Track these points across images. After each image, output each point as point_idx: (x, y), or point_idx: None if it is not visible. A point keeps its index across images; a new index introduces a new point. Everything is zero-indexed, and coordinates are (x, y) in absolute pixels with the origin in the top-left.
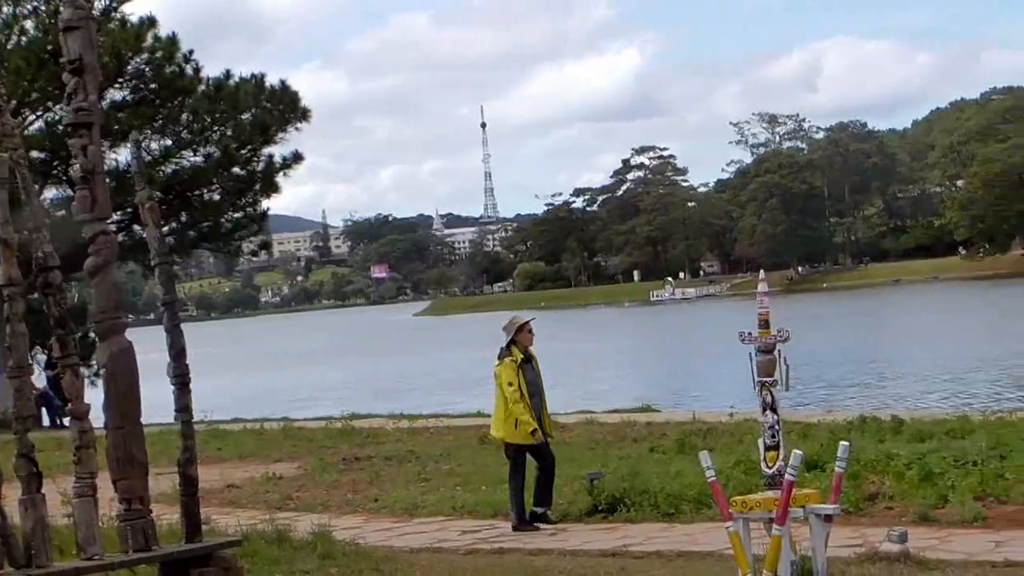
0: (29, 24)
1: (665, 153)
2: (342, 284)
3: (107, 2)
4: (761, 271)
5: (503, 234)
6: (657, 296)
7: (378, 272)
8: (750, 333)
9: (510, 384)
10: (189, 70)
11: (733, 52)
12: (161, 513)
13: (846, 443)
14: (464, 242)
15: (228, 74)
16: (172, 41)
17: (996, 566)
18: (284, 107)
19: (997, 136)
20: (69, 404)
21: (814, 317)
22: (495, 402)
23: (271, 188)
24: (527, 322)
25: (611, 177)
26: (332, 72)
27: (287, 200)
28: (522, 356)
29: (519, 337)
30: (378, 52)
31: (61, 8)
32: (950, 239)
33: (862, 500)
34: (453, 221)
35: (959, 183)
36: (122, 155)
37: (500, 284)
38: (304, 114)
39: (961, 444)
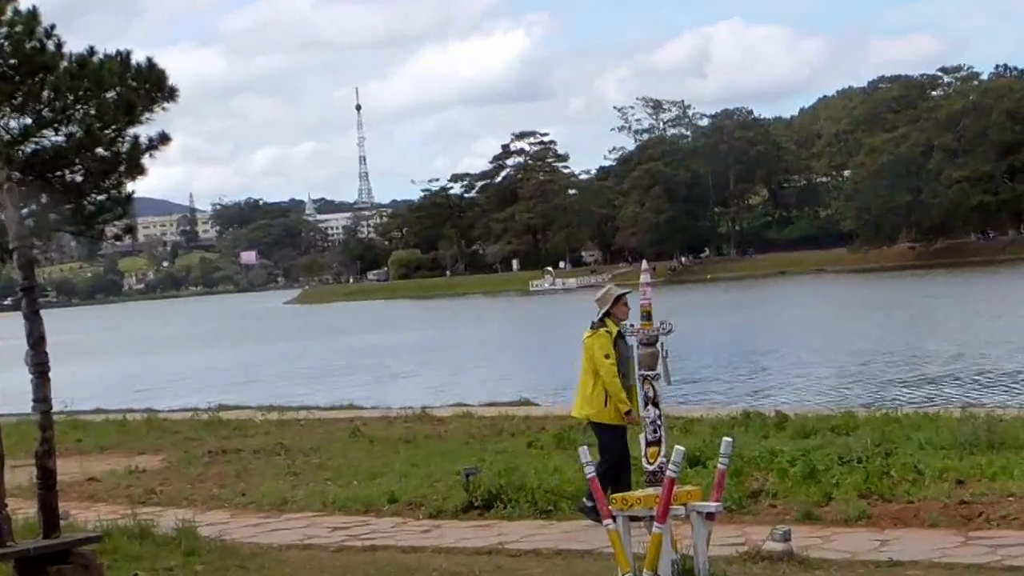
0: None
1: (546, 139)
2: (210, 270)
3: None
4: (643, 261)
5: (378, 220)
6: (537, 286)
7: (247, 258)
8: (632, 325)
9: (607, 356)
10: (51, 45)
11: (622, 36)
12: (17, 508)
13: (729, 439)
14: (337, 228)
15: (92, 51)
16: (33, 15)
17: (880, 565)
18: (151, 86)
19: (884, 125)
20: None
21: (698, 309)
22: (580, 378)
23: (137, 170)
24: (624, 294)
25: (490, 163)
26: (207, 51)
27: (154, 182)
28: (617, 330)
29: (615, 310)
30: (255, 31)
31: None
32: (836, 230)
33: (745, 498)
34: (326, 207)
35: (845, 173)
36: None
37: (374, 272)
38: (171, 93)
39: (846, 440)
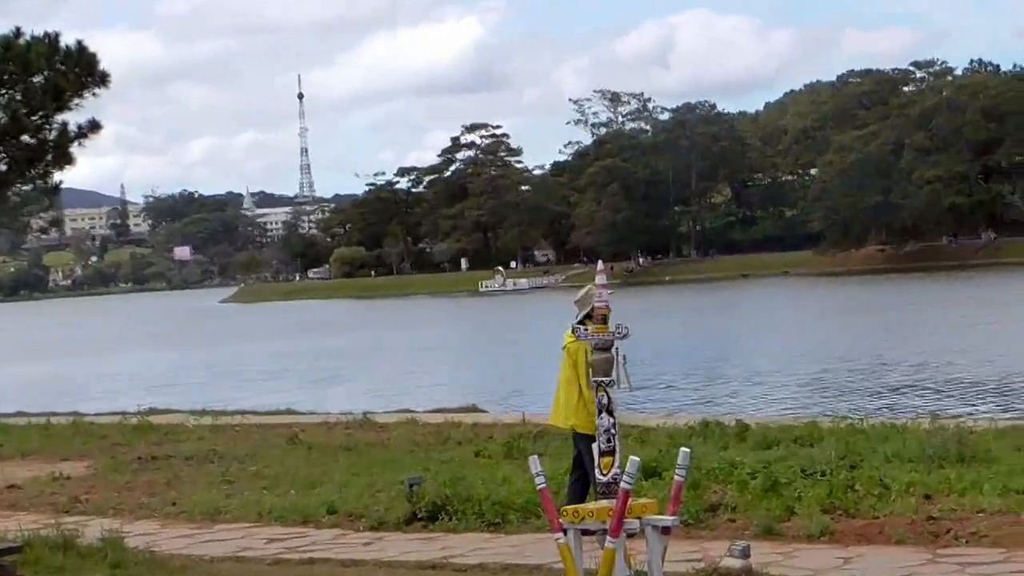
0: None
1: (498, 131)
2: (141, 266)
3: None
4: (599, 262)
5: (320, 216)
6: (487, 286)
7: (181, 254)
8: (586, 329)
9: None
10: None
11: (581, 24)
12: None
13: (687, 449)
14: (277, 223)
15: (18, 32)
16: None
17: None
18: (81, 70)
19: (853, 122)
20: None
21: (656, 312)
22: (559, 385)
23: (64, 159)
24: None
25: (439, 156)
26: (142, 35)
27: (83, 173)
28: None
29: (596, 312)
30: (193, 14)
31: None
32: (803, 231)
33: (703, 511)
34: (265, 200)
35: (813, 172)
36: None
37: (316, 270)
38: (103, 78)
39: (809, 452)
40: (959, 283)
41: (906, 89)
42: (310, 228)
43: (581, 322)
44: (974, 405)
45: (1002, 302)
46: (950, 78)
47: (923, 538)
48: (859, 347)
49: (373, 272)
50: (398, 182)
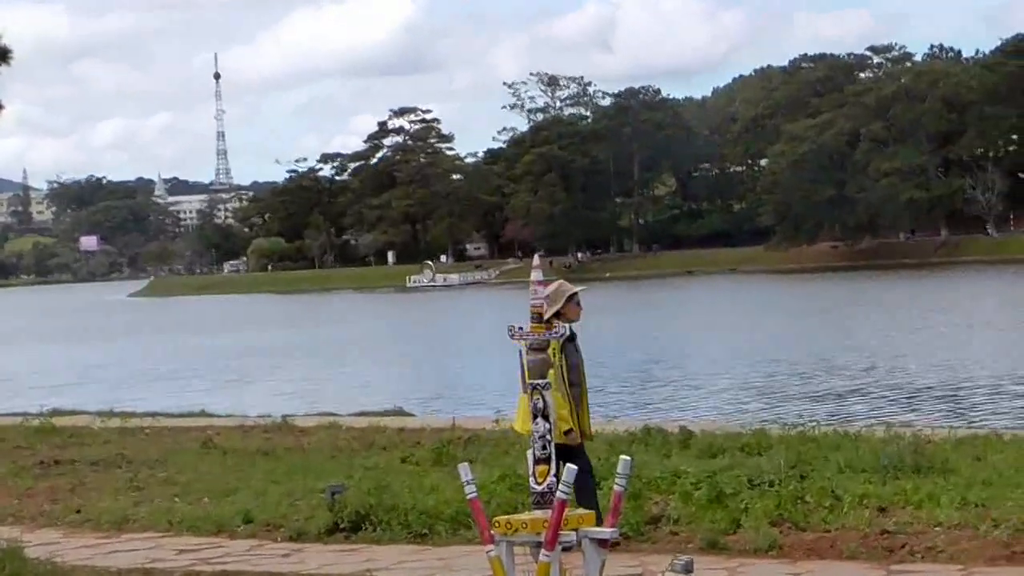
0: None
1: (429, 116)
2: (45, 257)
3: None
4: (535, 256)
5: (237, 204)
6: (415, 282)
7: (88, 244)
8: (521, 328)
9: (551, 367)
10: None
11: (519, 3)
12: None
13: (627, 458)
14: (191, 212)
15: None
16: None
17: None
18: None
19: (806, 110)
20: None
21: (594, 311)
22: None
23: None
24: (576, 292)
25: (365, 142)
26: (47, 9)
27: None
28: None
29: (566, 310)
30: None
31: None
32: (752, 226)
33: (644, 523)
34: (179, 187)
35: (762, 162)
36: None
37: (232, 263)
38: (4, 55)
39: (757, 461)
40: (915, 282)
41: (862, 76)
42: (226, 218)
43: (547, 322)
44: (919, 411)
45: (957, 303)
46: (909, 64)
47: (877, 553)
48: (805, 349)
49: (294, 265)
50: (321, 169)
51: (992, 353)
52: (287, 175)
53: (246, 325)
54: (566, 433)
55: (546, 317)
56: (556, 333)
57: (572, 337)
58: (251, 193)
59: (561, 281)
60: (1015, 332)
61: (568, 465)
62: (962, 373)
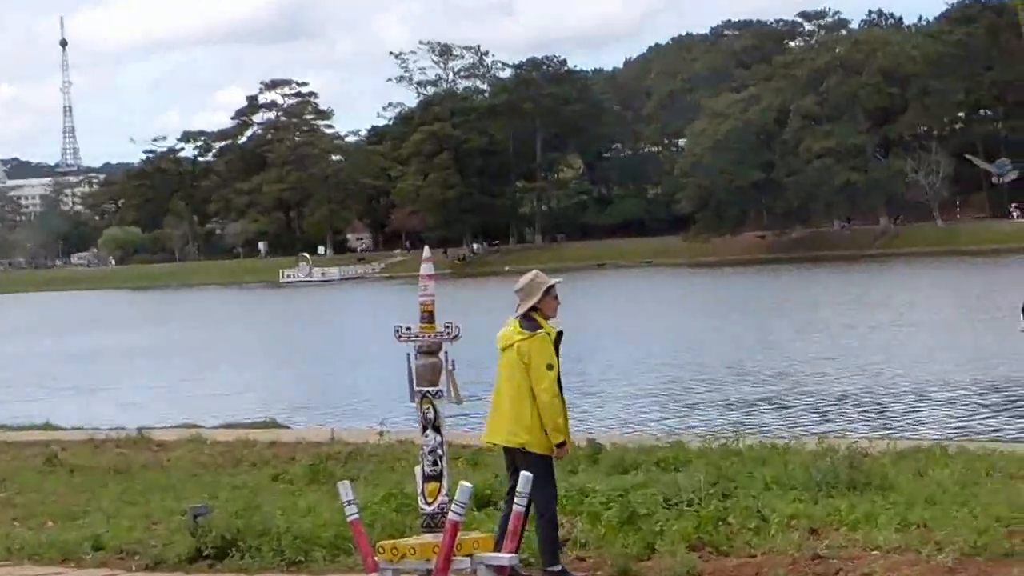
0: None
1: (304, 89)
2: None
3: None
4: (425, 248)
5: (87, 189)
6: (289, 276)
7: None
8: (409, 328)
9: (550, 367)
10: None
11: None
12: None
13: (528, 474)
14: (34, 198)
15: None
16: None
17: None
18: None
19: (730, 83)
20: None
21: (491, 309)
22: (500, 393)
23: None
24: (553, 284)
25: (233, 119)
26: None
27: None
28: (556, 332)
29: (543, 304)
30: None
31: None
32: (669, 214)
33: None
34: (20, 170)
35: (681, 142)
36: None
37: (81, 255)
38: None
39: (674, 478)
40: (849, 277)
41: (792, 45)
42: (75, 204)
43: (528, 317)
44: (834, 421)
45: (894, 300)
46: (844, 32)
47: None
48: (717, 352)
49: (152, 258)
50: (183, 149)
51: (921, 356)
52: (144, 156)
53: (96, 325)
54: (559, 446)
55: (520, 313)
56: (448, 334)
57: (560, 336)
58: (103, 176)
59: (535, 272)
60: (949, 332)
61: (462, 483)
62: (885, 378)
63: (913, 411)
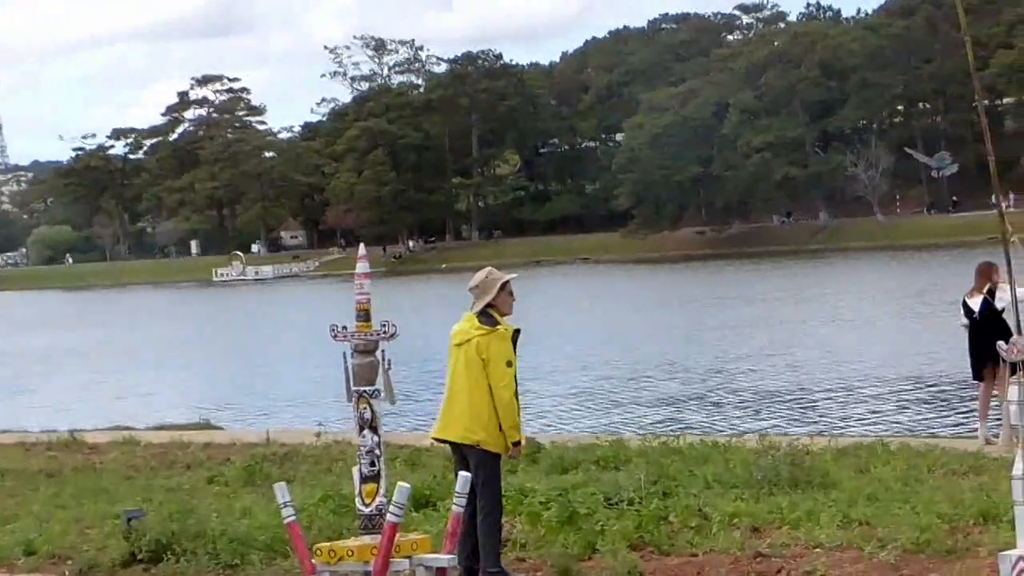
0: None
1: (236, 85)
2: None
3: None
4: (361, 246)
5: (14, 188)
6: (222, 275)
7: None
8: (345, 327)
9: (509, 364)
10: None
11: None
12: None
13: (467, 474)
14: None
15: None
16: None
17: None
18: None
19: (668, 77)
20: None
21: (428, 307)
22: (455, 389)
23: None
24: (508, 280)
25: (163, 115)
26: None
27: None
28: (514, 329)
29: (499, 301)
30: None
31: None
32: (607, 210)
33: None
34: None
35: (618, 137)
36: None
37: (9, 254)
38: None
39: (615, 477)
40: (788, 272)
41: (730, 38)
42: (2, 203)
43: (486, 313)
44: (765, 419)
45: (830, 295)
46: (783, 25)
47: None
48: (649, 349)
49: (82, 257)
50: (113, 147)
51: (851, 352)
52: (73, 154)
53: (25, 326)
54: (515, 444)
55: (476, 310)
56: (384, 333)
57: (517, 333)
58: (31, 175)
59: (490, 269)
60: (880, 328)
61: (400, 484)
62: (815, 375)
63: (840, 407)
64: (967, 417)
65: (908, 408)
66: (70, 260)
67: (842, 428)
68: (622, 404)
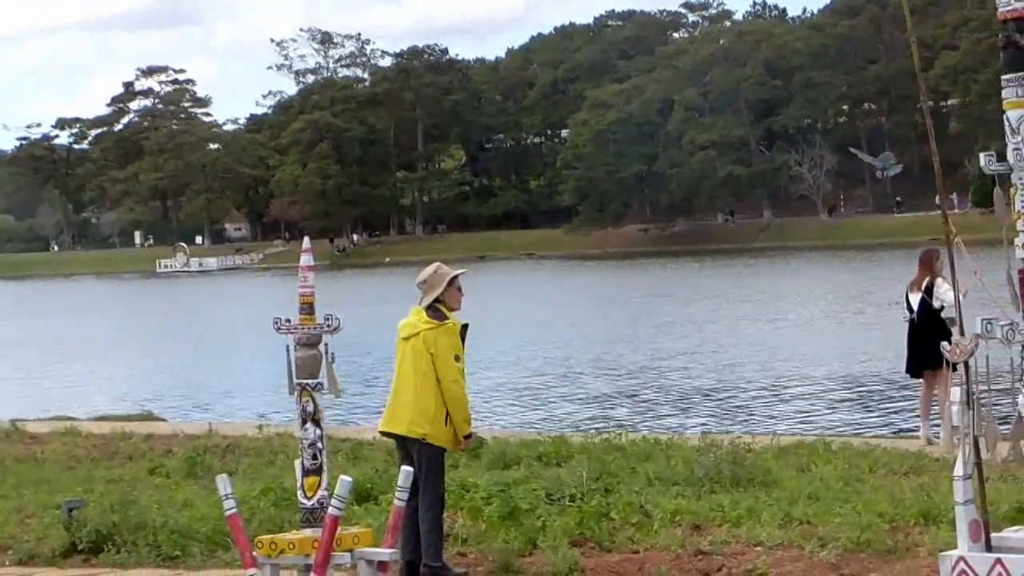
0: None
1: (182, 76)
2: None
3: None
4: (305, 238)
5: None
6: (166, 267)
7: None
8: (288, 320)
9: (457, 359)
10: None
11: None
12: None
13: (409, 468)
14: None
15: None
16: None
17: None
18: None
19: (613, 74)
20: None
21: (371, 300)
22: (401, 381)
23: None
24: (456, 276)
25: (108, 106)
26: None
27: None
28: (462, 324)
29: (447, 296)
30: None
31: None
32: (551, 206)
33: None
34: None
35: (563, 133)
36: None
37: None
38: None
39: (556, 473)
40: (729, 270)
41: (676, 36)
42: None
43: (434, 308)
44: (689, 415)
45: (769, 293)
46: (728, 23)
47: (690, 575)
48: (581, 346)
49: (24, 247)
50: (57, 137)
51: (783, 350)
52: (16, 143)
53: None
54: (466, 437)
55: (424, 305)
56: (328, 326)
57: (465, 328)
58: None
59: (438, 264)
60: (819, 327)
61: (342, 477)
62: (743, 373)
63: (768, 406)
64: (901, 416)
65: (838, 407)
66: None
67: (771, 427)
68: (552, 400)
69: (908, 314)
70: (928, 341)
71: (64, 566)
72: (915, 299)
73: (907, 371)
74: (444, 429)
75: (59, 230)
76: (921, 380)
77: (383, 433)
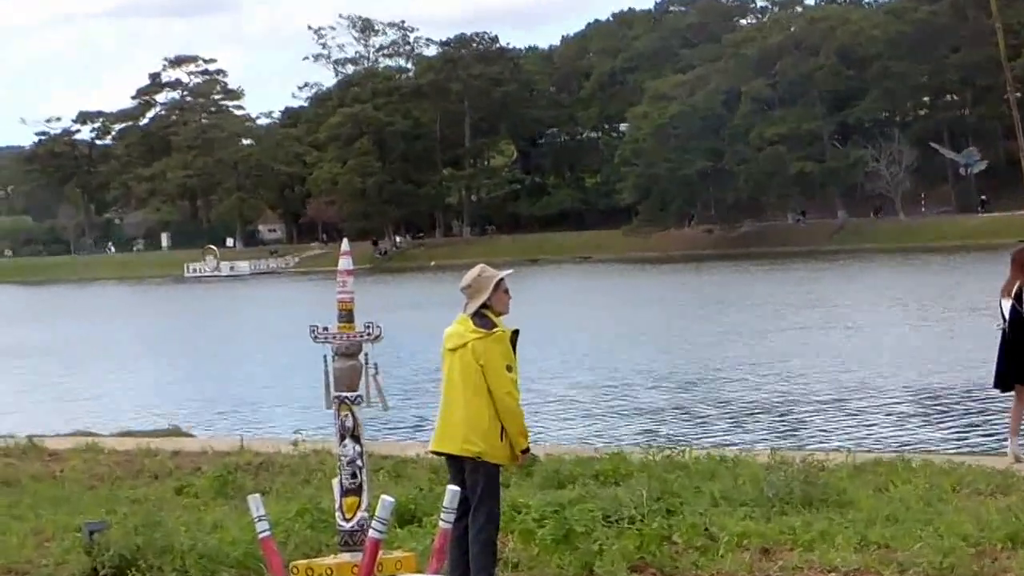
0: None
1: (212, 67)
2: None
3: None
4: (344, 241)
5: None
6: (194, 271)
7: None
8: (326, 328)
9: (509, 368)
10: None
11: None
12: None
13: (456, 488)
14: None
15: None
16: None
17: None
18: None
19: (675, 64)
20: None
21: (415, 307)
22: (451, 397)
23: None
24: (502, 278)
25: (133, 99)
26: None
27: None
28: (513, 331)
29: (495, 300)
30: None
31: None
32: (609, 205)
33: None
34: None
35: (622, 127)
36: None
37: None
38: None
39: (614, 492)
40: (799, 274)
41: (743, 22)
42: None
43: (480, 314)
44: (744, 430)
45: (837, 301)
46: (799, 9)
47: None
48: (636, 356)
49: (44, 250)
50: (78, 132)
51: (851, 361)
52: (35, 139)
53: None
54: (523, 452)
55: (469, 312)
56: (368, 335)
57: (516, 334)
58: None
59: (482, 266)
60: (890, 335)
61: (384, 497)
62: (806, 386)
63: (832, 420)
64: (989, 434)
65: (914, 421)
66: (9, 252)
67: (842, 443)
68: (597, 414)
69: (1001, 322)
70: (1019, 351)
71: None
72: (1007, 305)
73: (995, 385)
74: (500, 445)
75: (81, 232)
76: (1011, 394)
77: (435, 452)
